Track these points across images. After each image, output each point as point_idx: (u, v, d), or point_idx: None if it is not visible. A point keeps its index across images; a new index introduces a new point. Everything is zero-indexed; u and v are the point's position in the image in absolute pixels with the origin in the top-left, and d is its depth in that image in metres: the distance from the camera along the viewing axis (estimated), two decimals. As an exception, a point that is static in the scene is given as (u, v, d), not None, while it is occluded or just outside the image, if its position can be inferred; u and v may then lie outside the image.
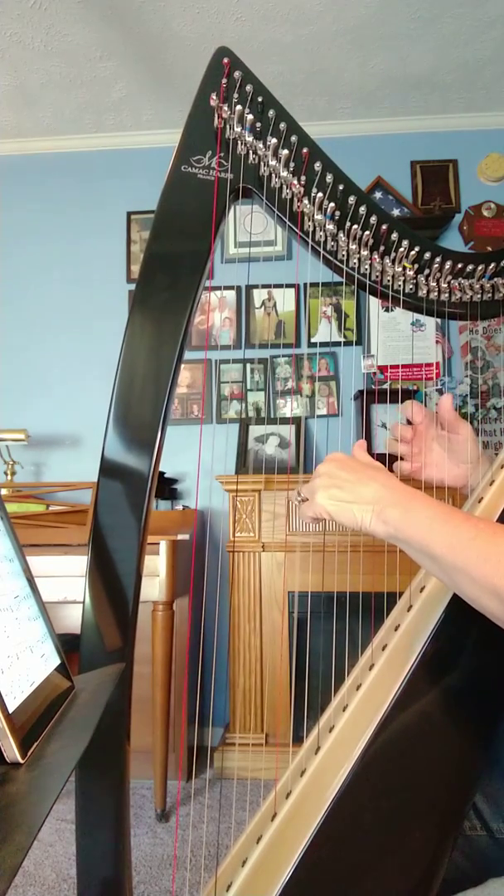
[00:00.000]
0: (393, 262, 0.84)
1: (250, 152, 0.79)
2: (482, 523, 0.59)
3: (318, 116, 2.63)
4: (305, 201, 0.80)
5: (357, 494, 0.66)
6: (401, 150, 2.67)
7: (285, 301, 2.62)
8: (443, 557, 0.58)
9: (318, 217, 0.80)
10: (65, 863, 1.61)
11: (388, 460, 0.95)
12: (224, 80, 0.76)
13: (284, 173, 0.79)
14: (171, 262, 0.77)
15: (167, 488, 2.45)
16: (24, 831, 0.30)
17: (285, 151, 0.77)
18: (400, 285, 0.85)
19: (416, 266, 0.85)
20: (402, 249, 0.83)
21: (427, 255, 0.84)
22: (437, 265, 0.85)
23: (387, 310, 2.55)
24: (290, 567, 2.21)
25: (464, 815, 0.69)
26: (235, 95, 0.77)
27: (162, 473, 2.41)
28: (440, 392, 2.41)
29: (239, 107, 0.76)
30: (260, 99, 0.77)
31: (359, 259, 0.84)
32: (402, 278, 0.85)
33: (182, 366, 0.77)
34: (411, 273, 0.85)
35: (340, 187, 0.80)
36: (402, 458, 0.94)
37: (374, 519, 0.64)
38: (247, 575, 2.23)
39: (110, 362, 0.75)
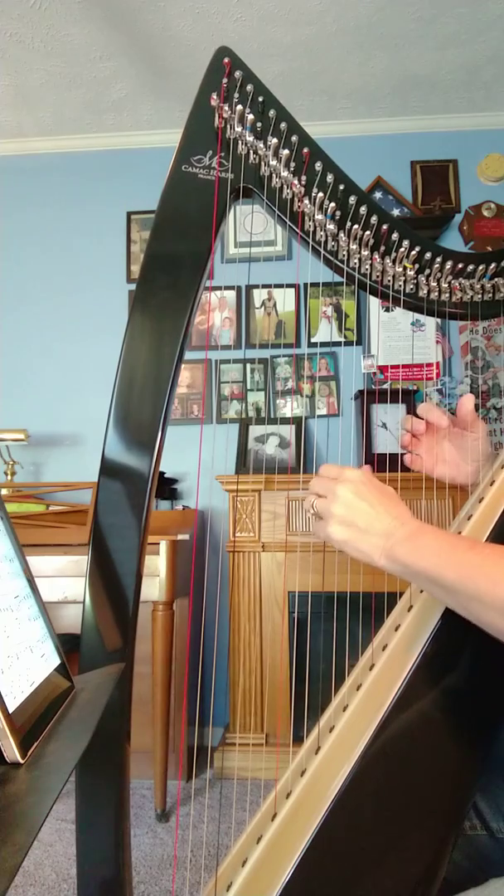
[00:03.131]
0: (393, 262, 0.84)
1: (251, 152, 0.79)
2: (487, 548, 0.60)
3: (318, 116, 2.63)
4: (306, 201, 0.80)
5: (369, 531, 0.66)
6: (401, 150, 2.67)
7: (285, 301, 2.62)
8: (453, 586, 0.59)
9: (319, 217, 0.80)
10: (65, 863, 1.61)
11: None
12: (225, 80, 0.76)
13: (285, 173, 0.79)
14: (172, 262, 0.77)
15: (167, 488, 2.45)
16: (24, 831, 0.30)
17: (286, 151, 0.77)
18: (400, 285, 0.85)
19: (416, 266, 0.85)
20: (402, 249, 0.83)
21: (427, 255, 0.84)
22: (437, 265, 0.85)
23: (387, 310, 2.55)
24: (290, 567, 2.21)
25: (464, 815, 0.69)
26: (236, 95, 0.77)
27: (162, 473, 2.41)
28: (440, 392, 2.41)
29: (239, 107, 0.76)
30: (261, 99, 0.77)
31: (359, 259, 0.84)
32: (403, 278, 0.85)
33: (182, 366, 0.77)
34: (412, 273, 0.85)
35: (341, 187, 0.80)
36: (409, 452, 0.93)
37: (382, 557, 0.65)
38: (247, 575, 2.23)
39: (110, 362, 0.75)
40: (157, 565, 1.86)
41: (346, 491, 0.67)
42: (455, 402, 2.34)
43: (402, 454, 0.94)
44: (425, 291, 0.86)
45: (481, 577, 0.57)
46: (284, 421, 2.51)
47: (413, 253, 0.84)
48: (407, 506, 0.69)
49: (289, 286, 2.61)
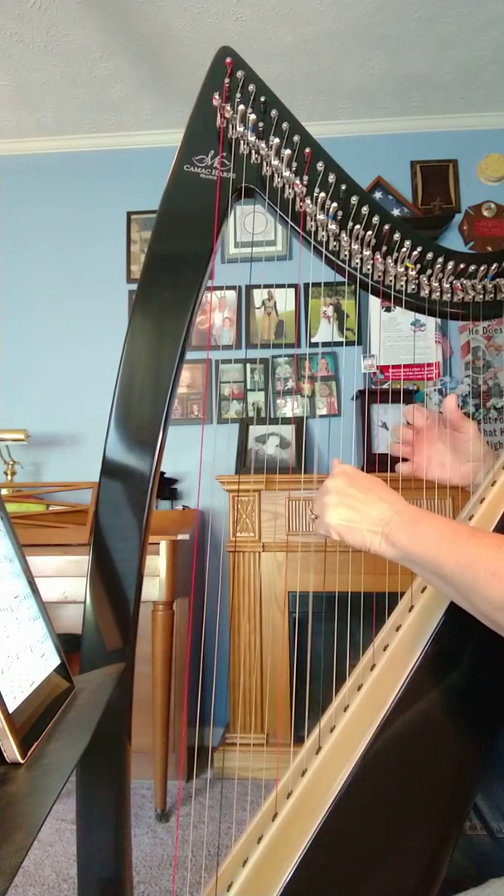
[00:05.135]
0: (395, 262, 0.84)
1: (252, 152, 0.79)
2: (487, 537, 0.59)
3: (319, 116, 2.63)
4: (308, 201, 0.80)
5: (366, 516, 0.66)
6: (401, 150, 2.67)
7: (286, 301, 2.62)
8: (452, 576, 0.59)
9: (321, 217, 0.80)
10: (65, 863, 1.61)
11: (390, 461, 0.95)
12: (226, 80, 0.76)
13: (287, 173, 0.79)
14: (173, 262, 0.77)
15: (167, 488, 2.45)
16: (24, 831, 0.30)
17: (288, 151, 0.77)
18: (402, 285, 0.85)
19: (418, 266, 0.85)
20: (404, 250, 0.83)
21: (429, 256, 0.84)
22: (438, 265, 0.85)
23: (387, 310, 2.55)
24: (290, 567, 2.21)
25: (465, 815, 0.69)
26: (238, 95, 0.77)
27: (162, 473, 2.41)
28: (440, 392, 2.41)
29: (241, 106, 0.76)
30: (262, 99, 0.77)
31: (361, 259, 0.84)
32: (405, 278, 0.85)
33: (182, 366, 0.76)
34: (413, 273, 0.85)
35: (343, 187, 0.80)
36: (403, 460, 0.94)
37: (382, 542, 0.65)
38: (247, 575, 2.23)
39: (110, 362, 0.75)
40: (157, 565, 1.86)
41: (335, 482, 0.69)
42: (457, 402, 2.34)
43: (395, 462, 0.94)
44: (427, 291, 0.86)
45: (479, 566, 0.57)
46: (284, 421, 2.51)
47: (415, 253, 0.84)
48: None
49: (289, 286, 2.61)
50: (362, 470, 0.71)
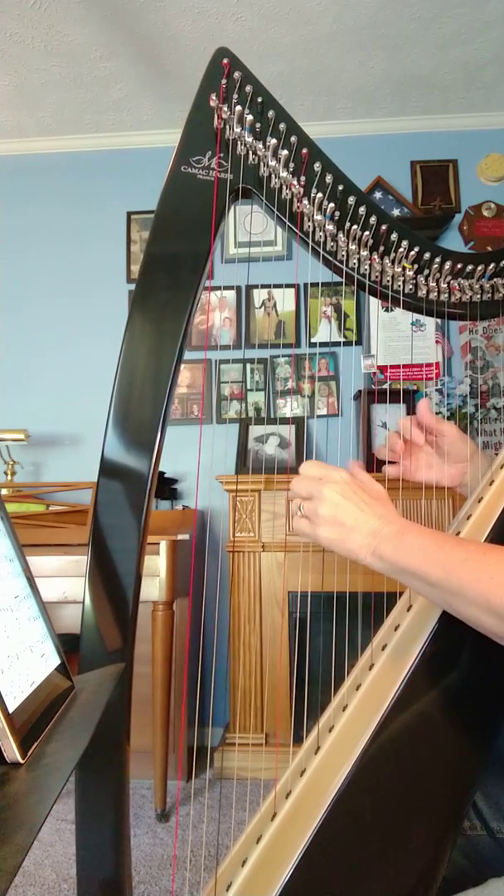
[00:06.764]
0: (392, 262, 0.84)
1: (250, 153, 0.79)
2: (472, 545, 0.61)
3: (318, 116, 2.63)
4: (305, 202, 0.80)
5: (357, 529, 0.67)
6: (401, 150, 2.67)
7: (285, 301, 2.62)
8: (438, 583, 0.60)
9: (318, 217, 0.81)
10: (65, 863, 1.61)
11: (379, 462, 0.96)
12: (224, 81, 0.76)
13: (284, 174, 0.79)
14: (171, 263, 0.77)
15: (167, 488, 2.45)
16: (24, 831, 0.30)
17: (285, 152, 0.78)
18: (399, 285, 0.85)
19: (415, 266, 0.85)
20: (401, 250, 0.83)
21: (427, 256, 0.84)
22: (436, 265, 0.85)
23: (387, 310, 2.55)
24: (290, 567, 2.21)
25: (464, 815, 0.69)
26: (235, 96, 0.77)
27: (162, 473, 2.41)
28: (440, 392, 2.41)
29: (238, 107, 0.76)
30: (259, 99, 0.77)
31: (358, 259, 0.84)
32: (402, 278, 0.85)
33: (182, 366, 0.77)
34: (411, 273, 0.85)
35: (340, 188, 0.80)
36: (389, 462, 0.95)
37: (369, 554, 0.66)
38: (247, 575, 2.23)
39: (110, 362, 0.75)
40: (157, 565, 1.86)
41: (332, 493, 0.69)
42: (455, 402, 2.34)
43: (385, 464, 0.95)
44: (424, 291, 0.86)
45: (464, 572, 0.58)
46: (284, 421, 2.51)
47: (412, 253, 0.84)
48: (397, 506, 0.70)
49: (288, 286, 2.61)
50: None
